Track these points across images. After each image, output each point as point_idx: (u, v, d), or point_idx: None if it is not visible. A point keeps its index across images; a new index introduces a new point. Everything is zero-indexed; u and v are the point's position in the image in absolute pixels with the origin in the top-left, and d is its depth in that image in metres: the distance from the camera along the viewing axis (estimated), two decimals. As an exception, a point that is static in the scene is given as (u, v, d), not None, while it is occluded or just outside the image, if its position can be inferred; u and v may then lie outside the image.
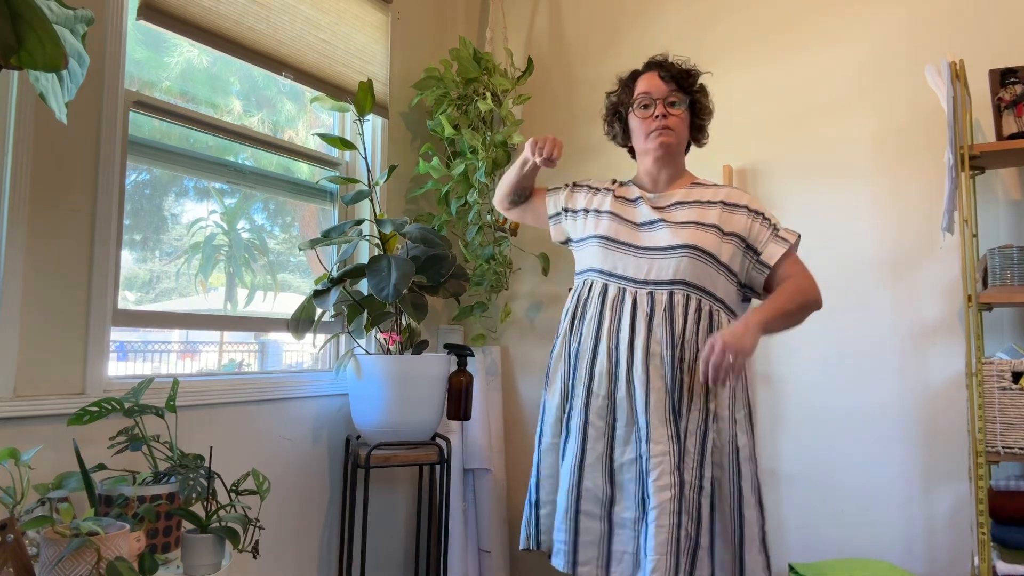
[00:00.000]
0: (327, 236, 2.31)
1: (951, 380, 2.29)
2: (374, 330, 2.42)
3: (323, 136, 2.37)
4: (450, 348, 2.47)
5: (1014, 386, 1.96)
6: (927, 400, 2.32)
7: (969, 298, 2.02)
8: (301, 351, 2.65)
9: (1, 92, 1.67)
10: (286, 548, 2.30)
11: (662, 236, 1.73)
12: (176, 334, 2.26)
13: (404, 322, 2.41)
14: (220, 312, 2.34)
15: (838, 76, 2.52)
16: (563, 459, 1.75)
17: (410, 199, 2.91)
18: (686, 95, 1.83)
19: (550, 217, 1.99)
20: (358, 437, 2.46)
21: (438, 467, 2.46)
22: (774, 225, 1.77)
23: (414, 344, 2.44)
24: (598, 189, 1.91)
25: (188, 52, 2.21)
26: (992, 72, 2.14)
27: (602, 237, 1.79)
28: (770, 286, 1.76)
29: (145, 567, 1.44)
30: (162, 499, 1.61)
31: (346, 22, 2.62)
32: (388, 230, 2.33)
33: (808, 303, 1.72)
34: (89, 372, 1.79)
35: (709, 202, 1.77)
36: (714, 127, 2.67)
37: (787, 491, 2.48)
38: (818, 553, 2.41)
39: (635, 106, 1.82)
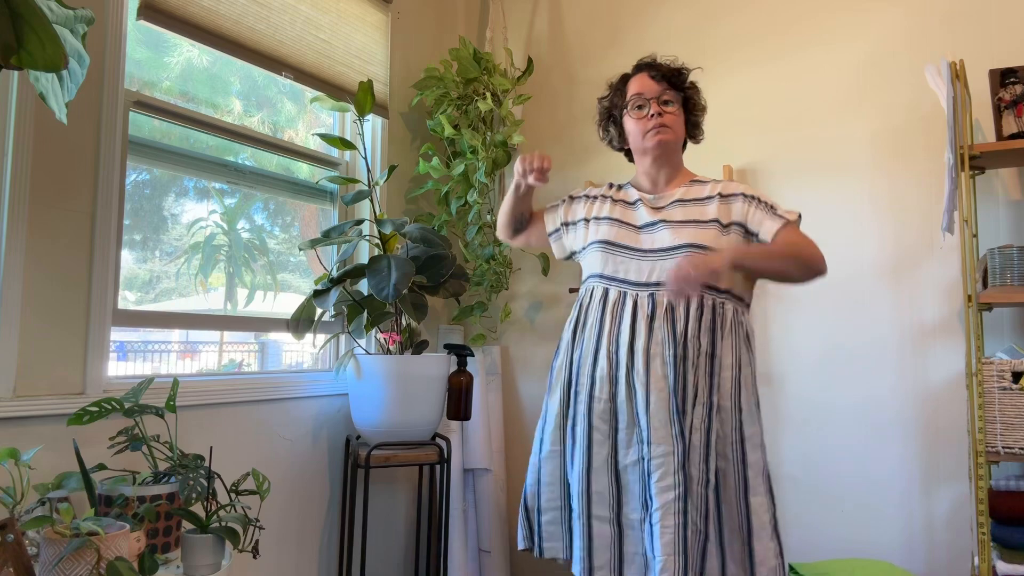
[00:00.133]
0: (327, 236, 2.31)
1: (951, 380, 2.29)
2: (374, 330, 2.42)
3: (323, 136, 2.37)
4: (450, 348, 2.47)
5: (1014, 386, 1.96)
6: (927, 400, 2.32)
7: (969, 298, 2.02)
8: (301, 351, 2.65)
9: (1, 92, 1.67)
10: (286, 548, 2.30)
11: (663, 237, 1.73)
12: (176, 334, 2.26)
13: (404, 322, 2.41)
14: (220, 312, 2.34)
15: (838, 76, 2.52)
16: (571, 465, 1.74)
17: (410, 199, 2.91)
18: (679, 93, 1.83)
19: (549, 234, 1.99)
20: (358, 437, 2.46)
21: (438, 467, 2.46)
22: (771, 206, 1.75)
23: (414, 344, 2.44)
24: (596, 197, 1.91)
25: (188, 52, 2.21)
26: (992, 72, 2.14)
27: (603, 242, 1.79)
28: None
29: (145, 567, 1.44)
30: (162, 499, 1.61)
31: (346, 22, 2.62)
32: (388, 230, 2.33)
33: (801, 256, 1.65)
34: (89, 372, 1.79)
35: (708, 197, 1.77)
36: (714, 127, 2.68)
37: (787, 491, 2.48)
38: (818, 553, 2.41)
39: (629, 108, 1.83)
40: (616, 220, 1.81)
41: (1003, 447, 1.96)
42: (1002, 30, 2.30)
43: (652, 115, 1.78)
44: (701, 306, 1.68)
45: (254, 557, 1.74)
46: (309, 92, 2.54)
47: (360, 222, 2.41)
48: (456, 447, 2.72)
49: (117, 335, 2.01)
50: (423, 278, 2.35)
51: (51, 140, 1.74)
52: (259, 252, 2.49)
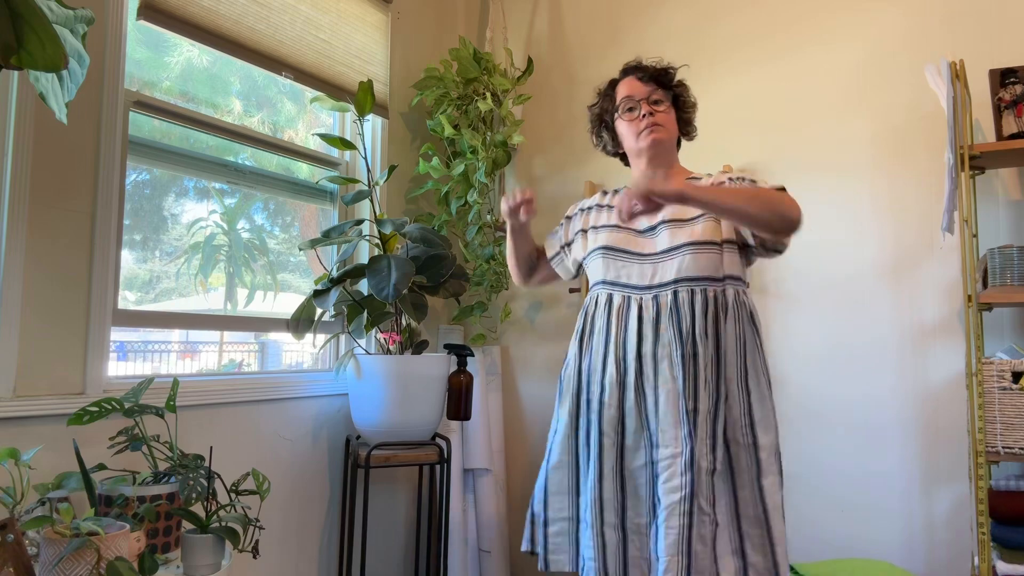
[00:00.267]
0: (327, 236, 2.31)
1: (951, 380, 2.29)
2: (374, 330, 2.42)
3: (323, 136, 2.37)
4: (450, 348, 2.47)
5: (1014, 386, 1.96)
6: (927, 400, 2.32)
7: (969, 298, 2.02)
8: (301, 351, 2.65)
9: (1, 92, 1.67)
10: (286, 548, 2.30)
11: (663, 239, 1.73)
12: (176, 334, 2.26)
13: (404, 322, 2.41)
14: (220, 312, 2.34)
15: (838, 76, 2.52)
16: (585, 475, 1.73)
17: (410, 199, 2.91)
18: (667, 91, 1.84)
19: (551, 259, 1.99)
20: (358, 437, 2.46)
21: (438, 467, 2.46)
22: (753, 180, 1.72)
23: (414, 344, 2.44)
24: (591, 207, 1.92)
25: (188, 52, 2.21)
26: (992, 72, 2.14)
27: (604, 248, 1.79)
28: (757, 237, 1.69)
29: (145, 567, 1.44)
30: (162, 499, 1.61)
31: (346, 22, 2.62)
32: (388, 230, 2.33)
33: (763, 197, 1.55)
34: (89, 372, 1.79)
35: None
36: (715, 127, 2.68)
37: (787, 491, 2.48)
38: (819, 553, 2.41)
39: (620, 111, 1.84)
40: (615, 226, 1.81)
41: (1003, 447, 1.96)
42: (1002, 30, 2.30)
43: (643, 115, 1.79)
44: (705, 300, 1.67)
45: (254, 557, 1.74)
46: (309, 92, 2.54)
47: (360, 222, 2.41)
48: (456, 447, 2.72)
49: (117, 335, 2.01)
50: (423, 278, 2.35)
51: (51, 140, 1.74)
52: (259, 252, 2.49)
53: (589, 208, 1.93)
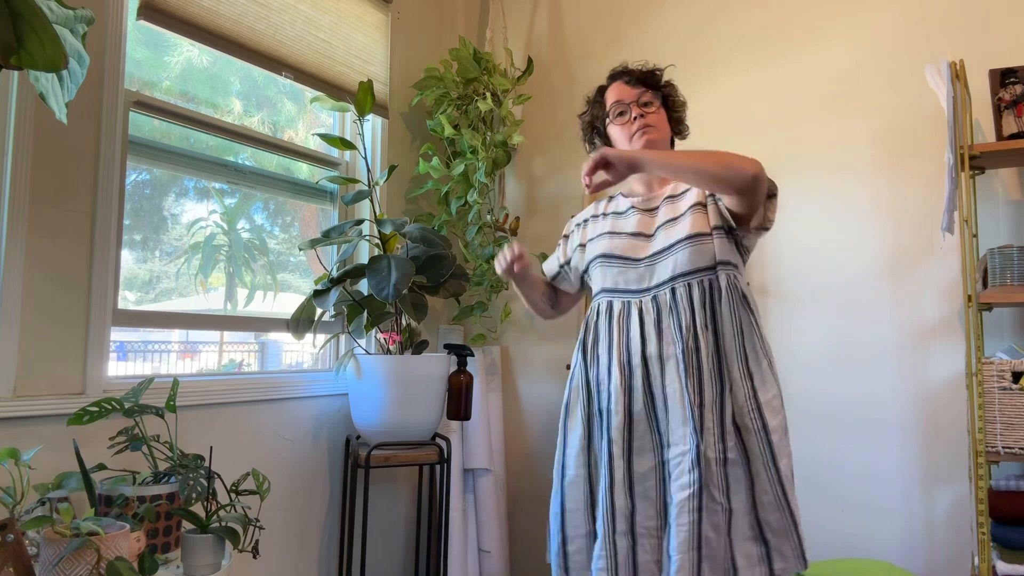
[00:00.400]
0: (327, 236, 2.31)
1: (951, 380, 2.29)
2: (374, 330, 2.42)
3: (323, 136, 2.37)
4: (450, 348, 2.47)
5: (1014, 386, 1.96)
6: (927, 400, 2.32)
7: (969, 298, 2.02)
8: (301, 351, 2.65)
9: (1, 92, 1.67)
10: (286, 548, 2.30)
11: (659, 240, 1.73)
12: (176, 334, 2.26)
13: (404, 322, 2.41)
14: (220, 312, 2.34)
15: (838, 76, 2.52)
16: (599, 485, 1.72)
17: (410, 199, 2.91)
18: (656, 92, 1.84)
19: (552, 280, 2.01)
20: (358, 437, 2.46)
21: (438, 467, 2.46)
22: None
23: (414, 344, 2.44)
24: (586, 220, 1.93)
25: (188, 52, 2.21)
26: (992, 72, 2.14)
27: (601, 256, 1.79)
28: (740, 217, 1.68)
29: (145, 567, 1.44)
30: (162, 499, 1.61)
31: (346, 22, 2.62)
32: (388, 230, 2.33)
33: (722, 158, 1.54)
34: (89, 372, 1.79)
35: (688, 188, 1.77)
36: (714, 127, 2.68)
37: (787, 491, 2.48)
38: (819, 553, 2.41)
39: (611, 116, 1.84)
40: (612, 233, 1.80)
41: (1003, 447, 1.96)
42: (1002, 30, 2.30)
43: (635, 118, 1.79)
44: (703, 291, 1.67)
45: (254, 557, 1.74)
46: (309, 92, 2.54)
47: (360, 222, 2.41)
48: (456, 447, 2.72)
49: (117, 335, 2.01)
50: (423, 278, 2.35)
51: (51, 140, 1.74)
52: (259, 252, 2.49)
53: (585, 221, 1.93)
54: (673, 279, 1.68)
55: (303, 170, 2.60)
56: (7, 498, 1.45)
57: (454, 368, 2.46)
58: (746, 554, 1.60)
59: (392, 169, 2.48)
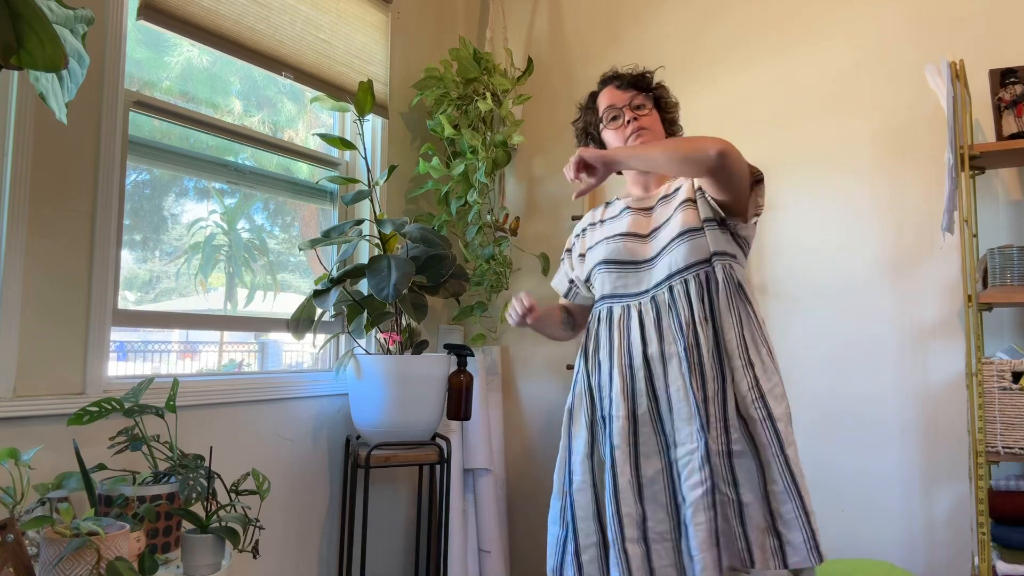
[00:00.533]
0: (327, 236, 2.31)
1: (951, 380, 2.29)
2: (374, 330, 2.42)
3: (323, 136, 2.37)
4: (450, 348, 2.47)
5: (1014, 386, 1.96)
6: (927, 400, 2.32)
7: (969, 298, 2.02)
8: (301, 351, 2.65)
9: (1, 92, 1.67)
10: (286, 548, 2.30)
11: (658, 241, 1.73)
12: (176, 334, 2.26)
13: (404, 322, 2.41)
14: (220, 312, 2.34)
15: (838, 76, 2.52)
16: (605, 491, 1.69)
17: (410, 199, 2.91)
18: (648, 94, 1.84)
19: (565, 296, 2.01)
20: (358, 437, 2.46)
21: (438, 467, 2.46)
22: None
23: (414, 344, 2.44)
24: (584, 230, 1.93)
25: (188, 52, 2.21)
26: (992, 72, 2.14)
27: (602, 262, 1.78)
28: (727, 206, 1.68)
29: (145, 567, 1.44)
30: (162, 499, 1.61)
31: (346, 22, 2.62)
32: (388, 230, 2.33)
33: (688, 142, 1.57)
34: (89, 372, 1.79)
35: (680, 187, 1.77)
36: (714, 127, 2.68)
37: (787, 491, 2.48)
38: (818, 553, 2.41)
39: (605, 121, 1.85)
40: (607, 239, 1.80)
41: (1003, 447, 1.96)
42: (1002, 30, 2.30)
43: (628, 121, 1.80)
44: (698, 285, 1.66)
45: (254, 557, 1.74)
46: (309, 92, 2.54)
47: (360, 222, 2.41)
48: (456, 447, 2.72)
49: (117, 335, 2.01)
50: (423, 278, 2.35)
51: (51, 140, 1.74)
52: (259, 252, 2.49)
53: (584, 230, 1.93)
54: (670, 277, 1.68)
55: (303, 170, 2.60)
56: (7, 498, 1.45)
57: (454, 368, 2.46)
58: (761, 546, 1.58)
59: (392, 169, 2.48)
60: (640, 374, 1.67)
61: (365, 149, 2.50)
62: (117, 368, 2.00)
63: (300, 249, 2.51)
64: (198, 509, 1.77)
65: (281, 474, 2.29)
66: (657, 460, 1.66)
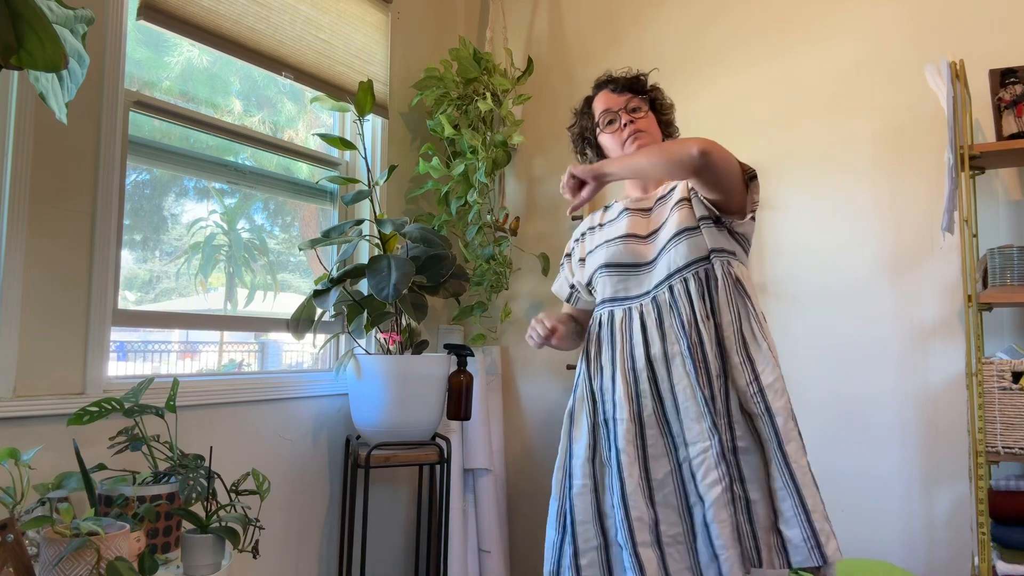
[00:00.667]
0: (327, 236, 2.31)
1: (951, 380, 2.29)
2: (374, 330, 2.42)
3: (323, 136, 2.37)
4: (450, 348, 2.47)
5: (1014, 386, 1.96)
6: (927, 400, 2.32)
7: (969, 298, 2.02)
8: (301, 351, 2.65)
9: (1, 92, 1.67)
10: (286, 548, 2.31)
11: (658, 243, 1.73)
12: (176, 334, 2.26)
13: (404, 322, 2.41)
14: (220, 312, 2.34)
15: (838, 76, 2.52)
16: (610, 495, 1.68)
17: (410, 199, 2.91)
18: (643, 97, 1.84)
19: (567, 301, 2.00)
20: (358, 437, 2.46)
21: (438, 467, 2.46)
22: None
23: (414, 344, 2.44)
24: (583, 235, 1.93)
25: (188, 52, 2.21)
26: (992, 72, 2.14)
27: (603, 266, 1.78)
28: (720, 205, 1.68)
29: (145, 567, 1.44)
30: (162, 499, 1.61)
31: (346, 22, 2.62)
32: (388, 230, 2.33)
33: (671, 145, 1.59)
34: (89, 372, 1.79)
35: (676, 184, 1.77)
36: (714, 127, 2.68)
37: (787, 491, 2.48)
38: (818, 553, 2.41)
39: (601, 125, 1.84)
40: (607, 242, 1.80)
41: (1003, 447, 1.96)
42: (1002, 30, 2.30)
43: (625, 124, 1.80)
44: (698, 282, 1.66)
45: (254, 557, 1.74)
46: (309, 92, 2.55)
47: (360, 222, 2.41)
48: (456, 447, 2.72)
49: (117, 335, 2.01)
50: (423, 278, 2.35)
51: (51, 140, 1.74)
52: (259, 252, 2.49)
53: (583, 235, 1.93)
54: (670, 276, 1.68)
55: (303, 170, 2.60)
56: (7, 498, 1.45)
57: (454, 368, 2.46)
58: (767, 545, 1.57)
59: (392, 169, 2.48)
60: (643, 375, 1.66)
61: (365, 149, 2.50)
62: (117, 368, 2.00)
63: (300, 249, 2.51)
64: (198, 509, 1.77)
65: (281, 474, 2.29)
66: (666, 462, 1.64)
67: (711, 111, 2.71)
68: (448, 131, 2.71)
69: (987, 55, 2.29)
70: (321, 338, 2.62)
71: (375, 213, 2.42)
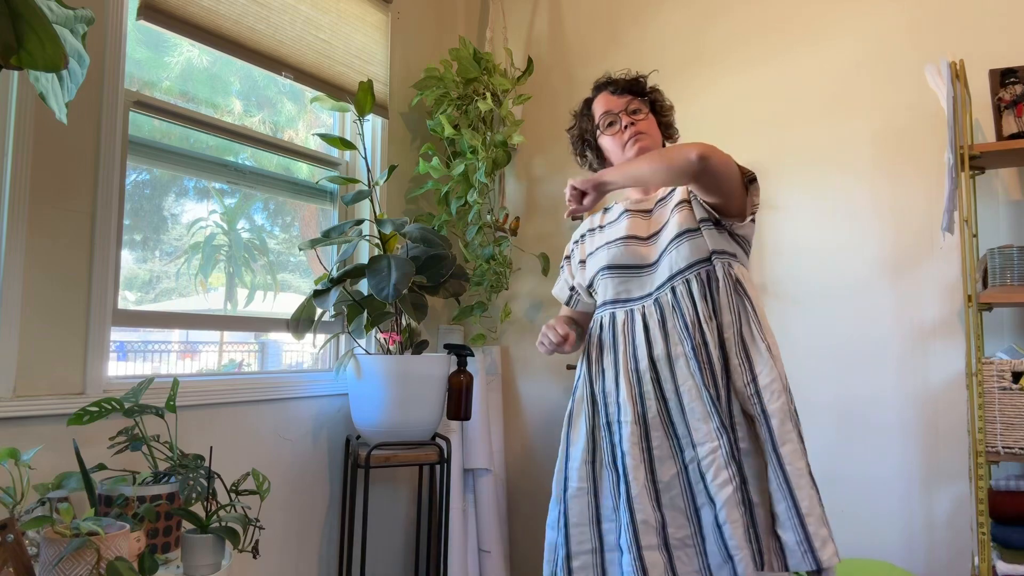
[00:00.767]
0: (327, 236, 2.31)
1: (951, 380, 2.29)
2: (374, 330, 2.42)
3: (323, 136, 2.37)
4: (450, 348, 2.47)
5: (1014, 386, 1.96)
6: (927, 400, 2.32)
7: (969, 298, 2.02)
8: (301, 351, 2.65)
9: (1, 92, 1.67)
10: (286, 548, 2.31)
11: (660, 244, 1.73)
12: (176, 334, 2.26)
13: (404, 322, 2.41)
14: (220, 312, 2.34)
15: (838, 76, 2.52)
16: (615, 499, 1.67)
17: (410, 199, 2.91)
18: (643, 99, 1.84)
19: (567, 303, 2.00)
20: (358, 437, 2.46)
21: (438, 467, 2.46)
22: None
23: (414, 344, 2.44)
24: (583, 236, 1.93)
25: (188, 52, 2.21)
26: (992, 72, 2.14)
27: (605, 268, 1.78)
28: (719, 208, 1.68)
29: (145, 567, 1.44)
30: (162, 499, 1.61)
31: (346, 22, 2.62)
32: (388, 230, 2.33)
33: (669, 151, 1.60)
34: (89, 372, 1.79)
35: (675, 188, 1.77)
36: (714, 127, 2.68)
37: (787, 491, 2.48)
38: (818, 553, 2.41)
39: (601, 127, 1.84)
40: (608, 244, 1.80)
41: (1003, 447, 1.96)
42: (1002, 30, 2.30)
43: (625, 127, 1.80)
44: (700, 283, 1.66)
45: (254, 557, 1.74)
46: (309, 92, 2.55)
47: (360, 222, 2.41)
48: (456, 447, 2.72)
49: (117, 335, 2.01)
50: (423, 278, 2.35)
51: (51, 140, 1.74)
52: (259, 252, 2.49)
53: (583, 236, 1.93)
54: (672, 278, 1.68)
55: (303, 170, 2.60)
56: (7, 498, 1.45)
57: (454, 368, 2.46)
58: (768, 547, 1.57)
59: (392, 169, 2.48)
60: (647, 377, 1.66)
61: (365, 149, 2.50)
62: (117, 368, 2.00)
63: (300, 249, 2.51)
64: (198, 509, 1.77)
65: (281, 474, 2.29)
66: (672, 464, 1.64)
67: (711, 111, 2.71)
68: (448, 131, 2.71)
69: (987, 55, 2.29)
70: (321, 338, 2.62)
71: (375, 213, 2.42)
